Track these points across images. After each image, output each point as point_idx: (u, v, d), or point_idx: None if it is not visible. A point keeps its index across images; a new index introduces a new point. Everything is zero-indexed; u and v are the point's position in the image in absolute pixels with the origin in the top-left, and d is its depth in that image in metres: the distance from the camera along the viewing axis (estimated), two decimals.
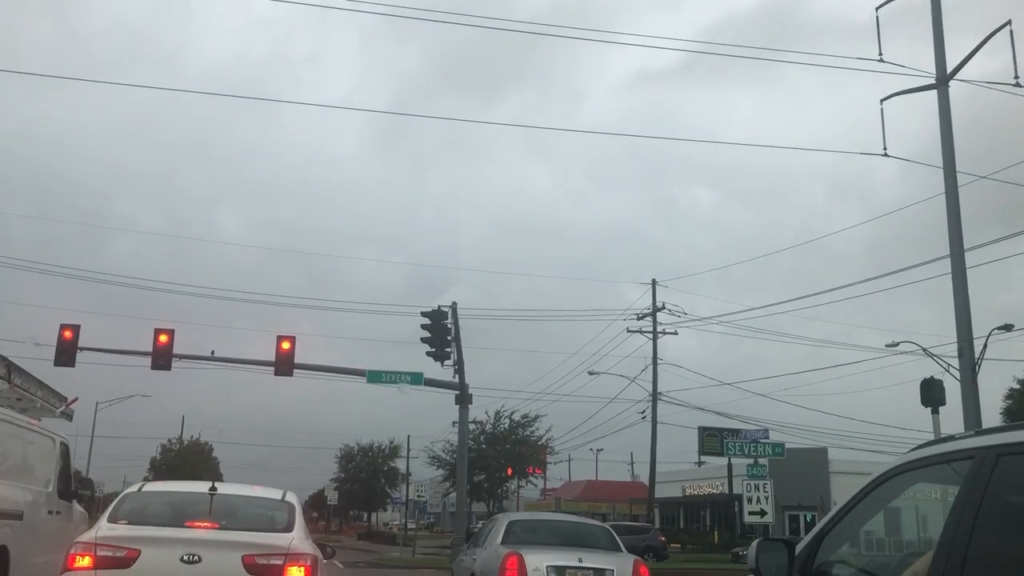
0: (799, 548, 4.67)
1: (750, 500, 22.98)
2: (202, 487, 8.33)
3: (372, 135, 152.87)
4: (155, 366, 27.13)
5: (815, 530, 4.73)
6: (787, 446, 53.26)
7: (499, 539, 13.38)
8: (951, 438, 3.99)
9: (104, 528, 7.66)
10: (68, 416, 15.80)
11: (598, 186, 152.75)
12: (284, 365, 27.62)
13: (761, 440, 26.51)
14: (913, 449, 4.11)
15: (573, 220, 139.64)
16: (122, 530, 7.60)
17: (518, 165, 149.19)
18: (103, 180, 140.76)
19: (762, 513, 23.16)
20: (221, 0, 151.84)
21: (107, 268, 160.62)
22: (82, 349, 27.21)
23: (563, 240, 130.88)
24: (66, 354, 26.65)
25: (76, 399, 19.12)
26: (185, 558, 7.28)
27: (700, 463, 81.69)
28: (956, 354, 22.02)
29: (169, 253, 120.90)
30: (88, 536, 7.55)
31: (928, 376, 16.63)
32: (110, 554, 7.26)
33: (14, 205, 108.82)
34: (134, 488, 8.77)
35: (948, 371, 36.83)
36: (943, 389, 16.04)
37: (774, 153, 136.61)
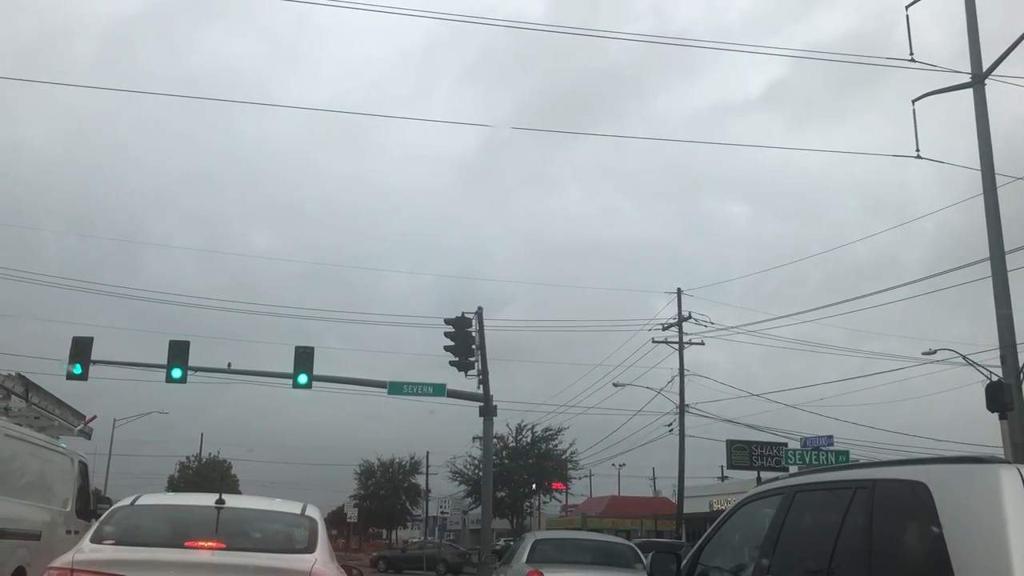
0: (685, 558, 6.26)
1: None
2: (207, 500, 6.96)
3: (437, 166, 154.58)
4: (170, 379, 26.39)
5: (697, 544, 6.28)
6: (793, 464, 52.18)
7: (524, 558, 13.59)
8: (777, 479, 5.88)
9: (86, 550, 6.28)
10: (87, 435, 15.66)
11: (632, 202, 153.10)
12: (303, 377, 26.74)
13: (824, 448, 24.87)
14: (757, 486, 6.16)
15: (606, 236, 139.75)
16: (107, 552, 6.25)
17: (553, 184, 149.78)
18: (139, 198, 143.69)
19: None
20: (325, 46, 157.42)
21: (140, 285, 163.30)
22: (95, 362, 26.53)
23: (596, 257, 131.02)
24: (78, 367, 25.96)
25: (95, 417, 18.89)
26: None
27: (724, 478, 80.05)
28: (997, 362, 21.06)
29: (201, 271, 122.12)
30: (64, 560, 6.09)
31: (995, 379, 15.41)
32: None
33: (52, 222, 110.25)
34: (126, 501, 7.27)
35: (991, 379, 35.54)
36: (1012, 392, 14.86)
37: (809, 171, 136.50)
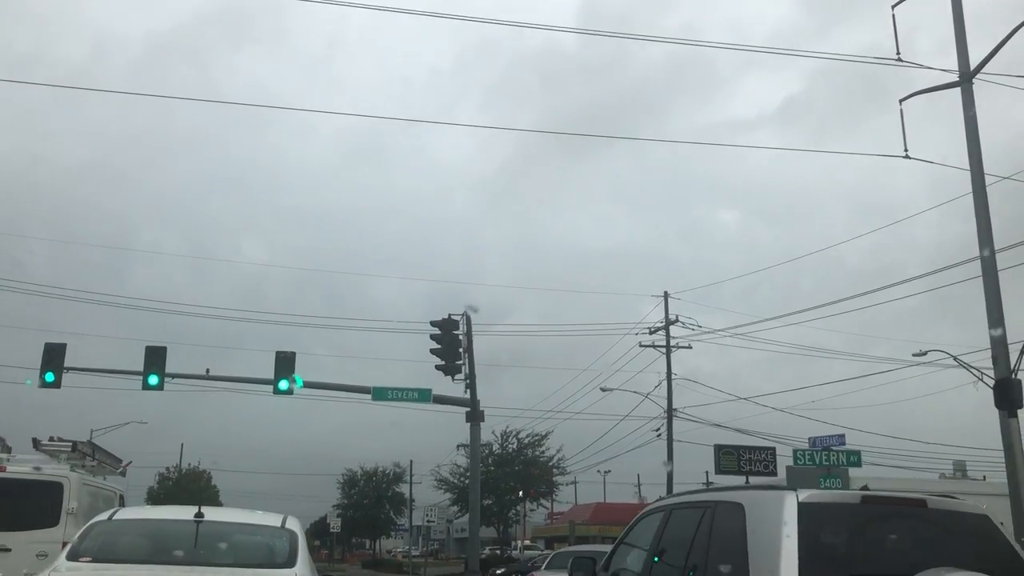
0: (600, 563, 7.50)
1: None
2: (186, 513, 6.81)
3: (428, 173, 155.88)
4: (146, 386, 25.54)
5: (611, 550, 7.56)
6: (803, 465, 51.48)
7: (543, 566, 19.08)
8: (689, 493, 7.18)
9: (61, 568, 6.06)
10: (123, 474, 19.16)
11: (623, 210, 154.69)
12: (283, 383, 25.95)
13: (835, 448, 23.90)
14: (659, 499, 7.34)
15: (597, 244, 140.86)
16: (83, 570, 6.03)
17: (564, 200, 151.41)
18: (127, 206, 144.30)
19: None
20: (355, 66, 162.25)
21: (129, 293, 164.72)
22: (68, 370, 25.63)
23: (587, 264, 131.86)
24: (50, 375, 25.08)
25: (130, 462, 21.58)
26: None
27: (709, 483, 79.49)
28: (982, 365, 20.62)
29: (189, 280, 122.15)
30: None
31: (1007, 376, 14.89)
32: None
33: (40, 230, 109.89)
34: (103, 516, 7.11)
35: (983, 379, 35.08)
36: (1022, 390, 14.36)
37: (812, 181, 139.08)
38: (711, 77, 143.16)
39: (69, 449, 13.25)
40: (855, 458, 21.81)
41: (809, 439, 24.73)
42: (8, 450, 13.20)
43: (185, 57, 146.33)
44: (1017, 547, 5.72)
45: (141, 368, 25.88)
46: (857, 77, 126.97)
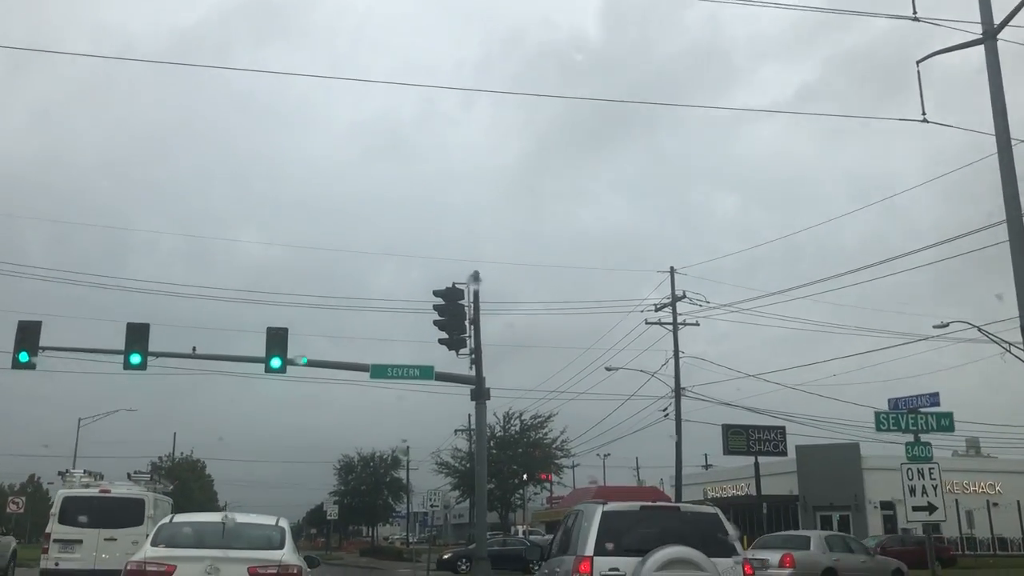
0: (546, 547, 14.01)
1: (912, 491, 17.68)
2: (217, 517, 11.49)
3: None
4: (127, 366, 23.73)
5: (551, 540, 14.25)
6: (817, 442, 49.34)
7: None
8: (578, 504, 13.46)
9: (149, 551, 10.42)
10: (172, 487, 27.70)
11: (632, 199, 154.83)
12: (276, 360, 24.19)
13: (922, 409, 21.51)
14: (580, 503, 13.73)
15: (598, 229, 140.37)
16: (162, 552, 10.33)
17: (560, 186, 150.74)
18: (128, 193, 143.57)
19: (930, 508, 17.99)
20: (378, 60, 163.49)
21: (127, 276, 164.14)
22: (44, 349, 23.84)
23: (588, 250, 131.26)
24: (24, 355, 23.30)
25: (177, 481, 29.35)
26: (208, 570, 10.07)
27: (708, 466, 77.99)
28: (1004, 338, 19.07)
29: (190, 265, 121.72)
30: (139, 556, 10.37)
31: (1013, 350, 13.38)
32: (156, 569, 10.06)
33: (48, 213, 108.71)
34: (166, 520, 11.69)
35: (1010, 351, 33.51)
36: None
37: (802, 161, 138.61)
38: (728, 69, 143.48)
39: (148, 479, 21.79)
40: (947, 421, 19.69)
41: (889, 400, 22.24)
42: (101, 477, 21.54)
43: (209, 52, 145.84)
44: (732, 532, 10.50)
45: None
46: (874, 68, 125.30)
